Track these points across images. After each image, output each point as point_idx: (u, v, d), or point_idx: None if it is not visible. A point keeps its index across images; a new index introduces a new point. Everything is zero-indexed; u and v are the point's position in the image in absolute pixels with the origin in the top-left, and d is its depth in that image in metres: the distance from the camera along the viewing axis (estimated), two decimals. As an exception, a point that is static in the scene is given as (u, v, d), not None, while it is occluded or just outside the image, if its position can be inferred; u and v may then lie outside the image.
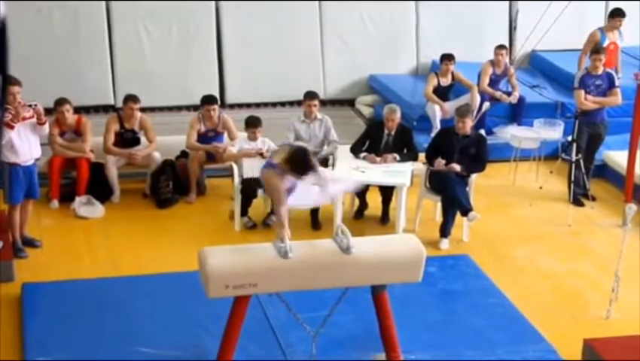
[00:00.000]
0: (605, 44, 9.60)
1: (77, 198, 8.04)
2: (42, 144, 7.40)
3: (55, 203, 8.10)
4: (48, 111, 7.68)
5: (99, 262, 7.18)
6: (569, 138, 8.65)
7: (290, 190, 5.16)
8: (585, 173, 8.54)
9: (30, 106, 6.98)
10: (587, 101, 8.51)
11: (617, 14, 9.80)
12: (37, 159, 7.23)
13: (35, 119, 7.03)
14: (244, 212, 7.85)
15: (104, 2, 10.16)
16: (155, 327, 6.02)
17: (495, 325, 6.25)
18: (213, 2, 10.48)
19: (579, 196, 8.64)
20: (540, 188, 8.86)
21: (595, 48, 8.90)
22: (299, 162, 5.04)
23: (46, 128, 7.21)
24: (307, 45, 10.80)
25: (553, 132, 9.14)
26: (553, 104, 10.10)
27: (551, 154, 9.28)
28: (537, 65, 11.21)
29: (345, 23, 10.87)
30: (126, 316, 6.17)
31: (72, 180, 8.30)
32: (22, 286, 6.51)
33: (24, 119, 6.94)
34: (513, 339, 6.07)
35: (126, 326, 6.04)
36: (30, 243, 7.32)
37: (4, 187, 7.01)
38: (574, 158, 8.45)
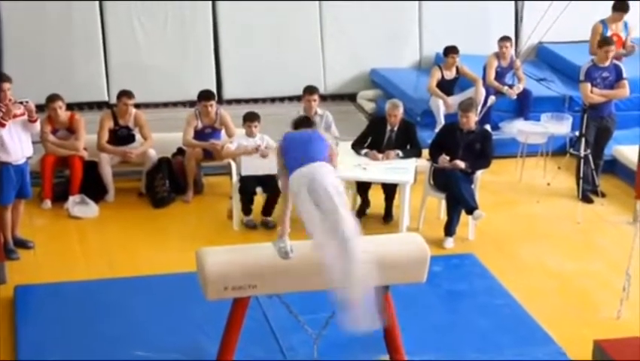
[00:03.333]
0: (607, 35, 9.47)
1: (71, 198, 7.98)
2: (34, 142, 7.37)
3: (47, 203, 8.03)
4: (40, 108, 7.63)
5: (94, 262, 7.14)
6: (577, 133, 8.55)
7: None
8: (594, 168, 8.47)
9: (21, 103, 6.96)
10: (594, 94, 8.41)
11: (619, 8, 9.65)
12: (28, 158, 7.19)
13: (26, 117, 7.02)
14: (247, 211, 7.78)
15: (97, -3, 10.06)
16: (151, 330, 6.06)
17: (502, 326, 6.22)
18: (209, -6, 10.39)
19: (588, 193, 8.57)
20: (548, 184, 8.77)
21: (603, 39, 8.74)
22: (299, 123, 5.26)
23: (37, 125, 7.18)
24: (307, 38, 10.73)
25: (561, 127, 9.09)
26: (561, 98, 10.00)
27: (559, 149, 9.21)
28: (544, 58, 11.13)
29: (345, 15, 10.80)
30: (122, 318, 6.15)
31: (65, 178, 8.25)
32: (15, 289, 6.48)
33: (15, 116, 6.95)
34: (521, 341, 6.04)
35: (122, 328, 6.02)
36: (22, 244, 7.26)
37: (-6, 187, 6.89)
38: (582, 153, 8.39)
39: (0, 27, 1.02)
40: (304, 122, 5.33)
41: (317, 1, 10.73)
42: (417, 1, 11.03)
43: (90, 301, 6.34)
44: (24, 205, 7.26)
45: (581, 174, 8.44)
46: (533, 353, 5.86)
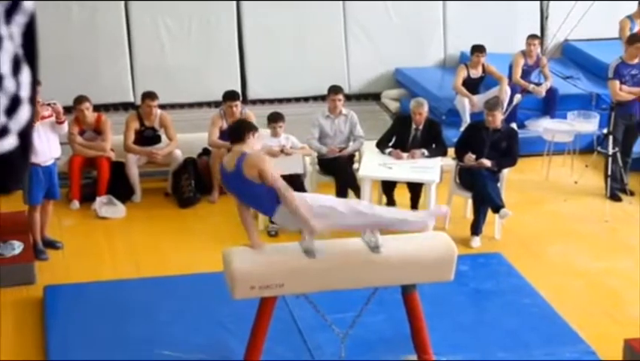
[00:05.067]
0: (635, 31, 9.37)
1: (98, 199, 7.99)
2: (62, 143, 7.40)
3: (75, 203, 8.04)
4: (67, 110, 7.68)
5: (121, 263, 7.15)
6: (605, 131, 8.49)
7: None
8: (622, 166, 8.40)
9: (49, 105, 6.97)
10: (622, 91, 8.33)
11: None
12: (57, 159, 7.20)
13: (53, 118, 7.03)
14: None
15: (123, -1, 10.10)
16: (178, 329, 6.02)
17: (530, 325, 6.15)
18: (234, -4, 10.39)
19: (616, 191, 8.47)
20: (576, 183, 8.69)
21: (632, 36, 8.65)
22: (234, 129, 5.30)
23: (65, 127, 7.18)
24: (331, 38, 10.70)
25: (588, 125, 9.01)
26: (588, 96, 9.92)
27: (586, 147, 9.13)
28: (571, 55, 11.04)
29: (369, 15, 10.76)
30: (149, 318, 6.15)
31: (93, 179, 8.26)
32: (44, 289, 6.50)
33: (43, 118, 6.96)
34: (549, 340, 5.97)
35: (149, 328, 6.02)
36: (51, 244, 7.28)
37: (23, 188, 6.93)
38: (610, 151, 8.31)
39: (34, 29, 1.03)
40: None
41: (341, 1, 10.69)
42: (441, 1, 10.95)
43: (118, 301, 6.35)
44: (52, 206, 7.27)
45: (609, 172, 8.35)
46: (562, 353, 5.79)
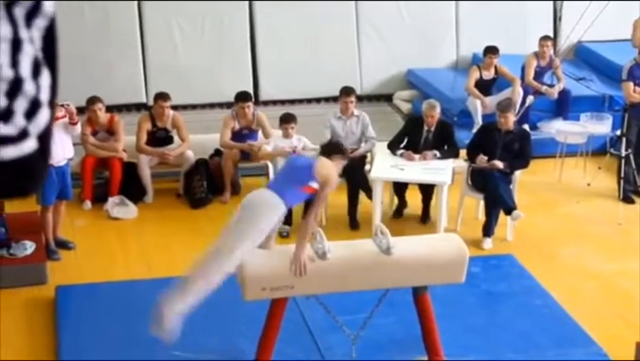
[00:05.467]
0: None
1: (110, 199, 8.01)
2: (74, 144, 7.41)
3: (88, 204, 8.06)
4: (80, 110, 7.68)
5: (133, 263, 7.16)
6: (618, 133, 8.44)
7: None
8: (635, 168, 8.35)
9: (62, 106, 6.96)
10: (636, 93, 8.30)
11: None
12: (69, 160, 7.22)
13: (67, 119, 7.04)
14: (286, 220, 7.26)
15: (136, 0, 10.09)
16: (190, 330, 5.93)
17: (542, 327, 6.13)
18: (246, -3, 10.40)
19: (629, 193, 8.45)
20: (588, 185, 8.65)
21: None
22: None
23: (78, 128, 7.20)
24: (343, 39, 10.68)
25: (601, 126, 8.98)
26: (601, 97, 9.88)
27: (599, 149, 9.10)
28: (584, 57, 10.99)
29: (382, 16, 10.73)
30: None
31: (105, 180, 8.29)
32: (56, 289, 6.51)
33: (56, 119, 6.82)
34: (561, 342, 5.95)
35: None
36: (63, 245, 7.29)
37: (36, 188, 6.93)
38: (623, 153, 8.28)
39: (54, 31, 1.04)
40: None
41: (353, 2, 10.68)
42: (454, 1, 10.94)
43: (129, 301, 6.33)
44: (65, 206, 7.28)
45: (622, 174, 8.32)
46: (574, 354, 5.76)
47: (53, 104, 1.17)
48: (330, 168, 5.09)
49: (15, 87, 1.15)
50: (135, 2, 10.13)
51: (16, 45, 1.15)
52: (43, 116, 1.18)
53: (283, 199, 4.94)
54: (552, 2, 11.13)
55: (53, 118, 1.22)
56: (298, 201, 5.27)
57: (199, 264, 4.92)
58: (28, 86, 1.15)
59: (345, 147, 5.52)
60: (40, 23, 1.18)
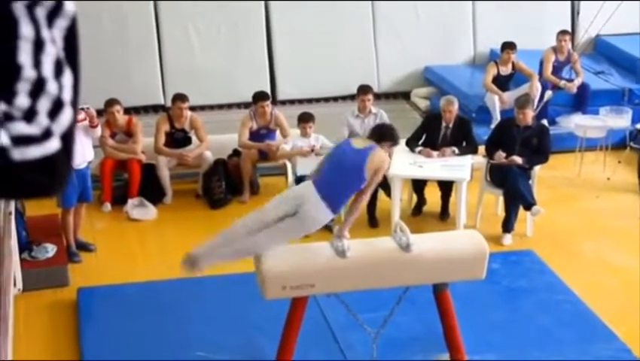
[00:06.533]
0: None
1: (130, 201, 8.02)
2: (94, 147, 7.44)
3: (107, 206, 8.07)
4: (98, 113, 7.71)
5: (153, 264, 7.17)
6: (638, 126, 8.37)
7: None
8: (656, 162, 8.24)
9: (82, 109, 6.99)
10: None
11: None
12: (89, 162, 7.25)
13: (87, 122, 7.09)
14: None
15: (152, 2, 10.13)
16: (211, 330, 6.03)
17: (564, 323, 6.10)
18: (262, -2, 10.40)
19: (650, 187, 8.36)
20: (608, 179, 8.61)
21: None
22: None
23: (98, 130, 7.24)
24: (360, 37, 10.66)
25: (620, 120, 8.93)
26: (620, 91, 9.81)
27: (619, 143, 9.04)
28: (602, 51, 10.90)
29: (398, 13, 10.69)
30: (182, 319, 6.16)
31: (124, 182, 8.30)
32: (78, 291, 6.54)
33: (77, 121, 6.90)
34: (584, 338, 5.92)
35: (182, 328, 6.04)
36: (84, 247, 7.32)
37: (57, 191, 6.97)
38: (643, 146, 8.18)
39: (76, 32, 1.05)
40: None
41: (369, 1, 10.66)
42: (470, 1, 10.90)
43: (151, 302, 6.37)
44: (85, 209, 7.32)
45: (643, 168, 8.27)
46: (597, 351, 5.73)
47: (75, 104, 1.17)
48: (382, 162, 5.06)
49: (38, 87, 1.15)
50: (152, 4, 10.16)
51: (38, 45, 1.16)
52: (66, 115, 1.19)
53: (333, 211, 4.99)
54: (569, -4, 11.06)
55: (75, 118, 1.23)
56: (341, 201, 5.15)
57: (238, 234, 5.07)
58: (51, 86, 1.16)
59: (397, 132, 5.38)
60: (61, 23, 1.19)
